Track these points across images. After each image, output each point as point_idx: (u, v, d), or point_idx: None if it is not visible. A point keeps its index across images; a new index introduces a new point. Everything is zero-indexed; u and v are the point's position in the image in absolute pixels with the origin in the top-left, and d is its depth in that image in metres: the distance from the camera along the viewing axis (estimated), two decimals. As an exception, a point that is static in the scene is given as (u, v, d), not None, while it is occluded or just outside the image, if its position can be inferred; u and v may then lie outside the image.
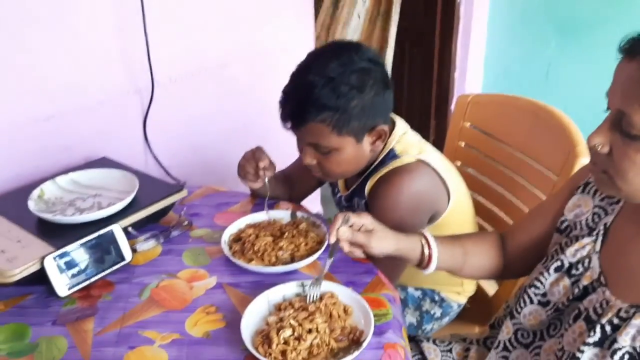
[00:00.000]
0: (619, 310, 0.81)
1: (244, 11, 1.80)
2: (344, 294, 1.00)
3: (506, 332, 1.00)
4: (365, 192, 1.22)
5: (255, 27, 1.85)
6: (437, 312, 1.34)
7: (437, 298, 1.33)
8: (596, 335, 0.81)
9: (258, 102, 1.95)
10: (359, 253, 1.01)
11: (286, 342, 0.90)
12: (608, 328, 0.80)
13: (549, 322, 0.94)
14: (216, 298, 1.05)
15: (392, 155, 1.19)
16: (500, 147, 1.43)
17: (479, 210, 1.50)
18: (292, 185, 1.40)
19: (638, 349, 0.76)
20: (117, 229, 1.14)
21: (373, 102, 1.12)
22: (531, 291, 0.96)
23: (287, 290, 1.03)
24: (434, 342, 1.15)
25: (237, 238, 1.19)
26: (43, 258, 1.03)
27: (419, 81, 2.92)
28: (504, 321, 1.02)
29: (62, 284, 1.05)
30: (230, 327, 0.97)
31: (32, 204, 1.18)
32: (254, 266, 1.09)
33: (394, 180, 1.15)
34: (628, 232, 0.87)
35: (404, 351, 0.94)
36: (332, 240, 0.97)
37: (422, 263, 1.03)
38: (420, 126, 3.03)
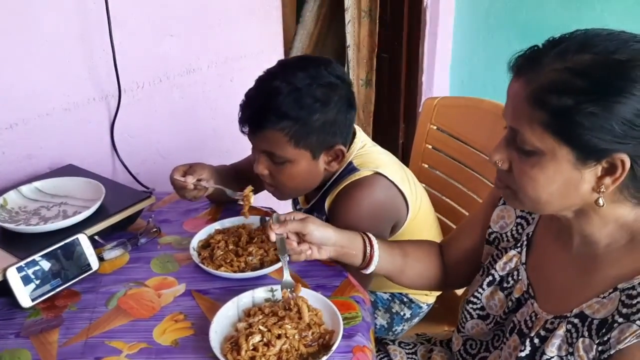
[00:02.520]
0: (545, 322, 0.83)
1: (211, 17, 1.79)
2: (314, 298, 1.01)
3: (456, 344, 1.02)
4: (325, 207, 1.21)
5: (223, 33, 1.85)
6: (407, 313, 1.35)
7: (405, 299, 1.35)
8: (527, 349, 0.83)
9: (226, 108, 1.94)
10: (305, 247, 0.98)
11: (255, 348, 0.90)
12: (536, 341, 0.83)
13: (493, 333, 0.96)
14: (185, 305, 1.04)
15: (350, 169, 1.18)
16: (465, 148, 1.46)
17: (446, 211, 1.53)
18: (245, 180, 1.31)
19: (566, 358, 0.78)
20: (82, 237, 1.12)
21: (335, 120, 1.12)
22: (469, 307, 0.98)
23: (256, 295, 1.03)
24: (399, 344, 1.16)
25: (206, 244, 1.19)
26: (5, 269, 1.01)
27: (388, 85, 2.95)
28: (453, 335, 1.04)
29: (25, 295, 1.03)
30: (199, 334, 0.96)
31: (-7, 214, 1.16)
32: (223, 272, 1.09)
33: (352, 194, 1.15)
34: (546, 242, 0.90)
35: (372, 354, 0.95)
36: (273, 238, 0.97)
37: (363, 262, 1.03)
38: (389, 130, 3.07)
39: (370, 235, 1.04)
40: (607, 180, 0.71)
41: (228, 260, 1.12)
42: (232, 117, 1.98)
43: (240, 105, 1.15)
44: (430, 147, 1.56)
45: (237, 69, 1.90)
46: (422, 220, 1.28)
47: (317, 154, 1.14)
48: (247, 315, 0.98)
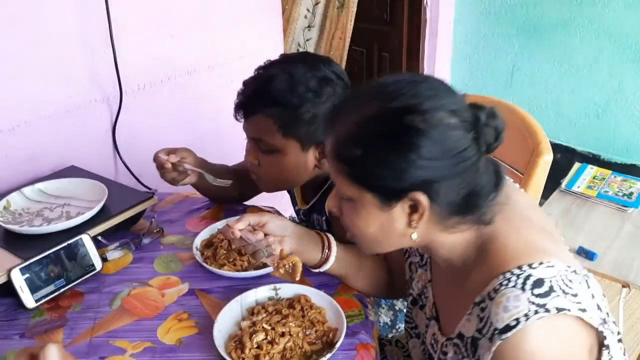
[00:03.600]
0: (442, 345, 0.83)
1: (211, 18, 1.80)
2: (317, 296, 1.01)
3: None
4: (326, 208, 1.20)
5: (223, 34, 1.85)
6: (410, 311, 1.35)
7: (409, 297, 1.35)
8: None
9: (227, 108, 1.94)
10: (271, 240, 0.97)
11: (259, 347, 0.90)
12: None
13: (425, 358, 0.95)
14: (188, 305, 1.04)
15: None
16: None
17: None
18: (242, 181, 1.32)
19: None
20: (86, 238, 1.12)
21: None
22: (407, 326, 1.00)
23: (259, 294, 1.03)
24: (395, 344, 1.16)
25: (209, 244, 1.19)
26: (9, 270, 1.01)
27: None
28: None
29: (29, 296, 1.03)
30: (203, 333, 0.96)
31: (-3, 216, 1.16)
32: (226, 271, 1.09)
33: None
34: (435, 264, 0.91)
35: (375, 352, 0.95)
36: (237, 235, 0.95)
37: (322, 257, 1.02)
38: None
39: (329, 235, 1.04)
40: (415, 216, 0.75)
41: (231, 260, 1.12)
42: (232, 118, 1.99)
43: (237, 92, 1.15)
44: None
45: (237, 69, 1.90)
46: None
47: (306, 147, 1.11)
48: (251, 314, 0.99)
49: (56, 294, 1.06)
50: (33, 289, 1.04)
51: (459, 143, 0.71)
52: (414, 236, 0.77)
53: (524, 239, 0.75)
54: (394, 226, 0.77)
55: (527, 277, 0.68)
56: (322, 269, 1.02)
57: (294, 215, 1.49)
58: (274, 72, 1.08)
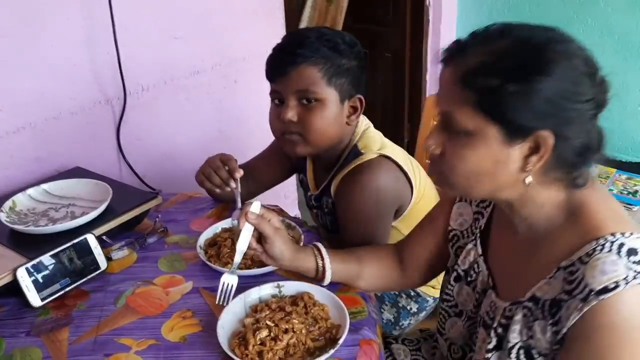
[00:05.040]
0: (504, 310, 0.83)
1: (214, 19, 1.81)
2: (320, 294, 1.02)
3: (442, 347, 1.03)
4: (332, 191, 1.23)
5: (226, 35, 1.87)
6: (414, 307, 1.36)
7: (412, 293, 1.35)
8: (493, 341, 0.83)
9: (232, 109, 1.96)
10: (260, 250, 1.00)
11: (263, 343, 0.90)
12: (500, 330, 0.83)
13: (468, 333, 0.96)
14: (192, 303, 1.05)
15: (355, 152, 1.21)
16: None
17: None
18: (251, 179, 1.37)
19: (528, 342, 0.78)
20: (91, 237, 1.13)
21: (358, 70, 1.18)
22: (445, 305, 0.99)
23: (263, 291, 1.04)
24: (402, 342, 1.17)
25: (213, 242, 1.20)
26: (15, 269, 1.02)
27: (392, 84, 2.96)
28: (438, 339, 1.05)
29: (35, 294, 1.04)
30: (207, 330, 0.97)
31: (3, 216, 1.17)
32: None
33: (357, 178, 1.17)
34: (498, 232, 0.91)
35: (378, 347, 0.95)
36: (242, 225, 0.97)
37: (318, 275, 1.04)
38: (394, 129, 3.07)
39: (323, 250, 1.04)
40: (533, 158, 0.74)
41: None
42: (238, 118, 2.01)
43: (268, 58, 1.18)
44: (434, 143, 1.56)
45: (241, 70, 1.92)
46: (426, 205, 1.28)
47: (343, 98, 1.17)
48: (254, 311, 0.99)
49: (62, 292, 1.07)
50: (39, 288, 1.05)
51: (588, 91, 0.72)
52: (527, 180, 0.76)
53: (612, 209, 0.77)
54: (508, 166, 0.75)
55: (621, 245, 0.70)
56: (322, 284, 1.04)
57: (299, 214, 1.50)
58: (306, 33, 1.16)
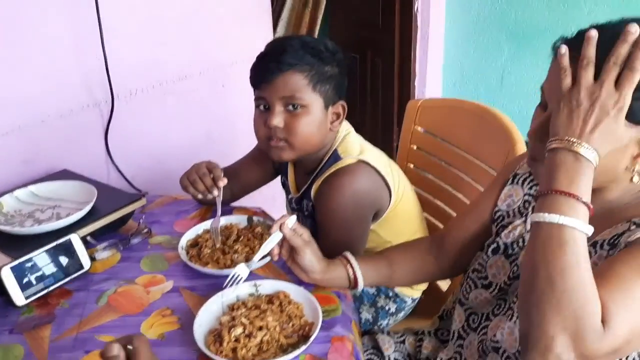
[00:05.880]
0: None
1: (202, 24, 1.84)
2: (296, 292, 1.05)
3: (458, 320, 1.06)
4: (312, 194, 1.27)
5: (214, 40, 1.90)
6: (392, 307, 1.39)
7: (391, 294, 1.38)
8: None
9: (219, 113, 2.00)
10: (275, 250, 1.06)
11: (237, 340, 0.93)
12: None
13: (495, 301, 1.00)
14: (172, 301, 1.08)
15: (334, 157, 1.24)
16: (448, 148, 1.50)
17: (432, 208, 1.57)
18: (234, 182, 1.40)
19: None
20: (75, 238, 1.16)
21: (339, 77, 1.22)
22: (474, 275, 1.02)
23: (240, 290, 1.07)
24: (388, 334, 1.20)
25: (194, 243, 1.23)
26: (0, 269, 1.05)
27: (382, 89, 3.00)
28: (453, 311, 1.08)
29: (19, 293, 1.07)
30: (185, 328, 1.00)
31: (-11, 217, 1.20)
32: (210, 269, 1.13)
33: (336, 182, 1.21)
34: None
35: (351, 344, 0.98)
36: (274, 230, 1.03)
37: (350, 283, 1.09)
38: (384, 133, 3.11)
39: (351, 259, 1.09)
40: (635, 162, 0.76)
41: (215, 258, 1.16)
42: (225, 122, 2.04)
43: (253, 65, 1.21)
44: (415, 147, 1.60)
45: (229, 74, 1.95)
46: (405, 208, 1.33)
47: (327, 105, 1.21)
48: (231, 310, 1.02)
49: (45, 291, 1.10)
50: (23, 287, 1.07)
51: None
52: (635, 179, 0.79)
53: None
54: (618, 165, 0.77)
55: None
56: (358, 290, 1.10)
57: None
58: (290, 41, 1.19)
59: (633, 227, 0.78)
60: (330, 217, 1.24)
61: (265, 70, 1.18)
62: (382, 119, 3.02)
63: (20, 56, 1.42)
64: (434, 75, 2.90)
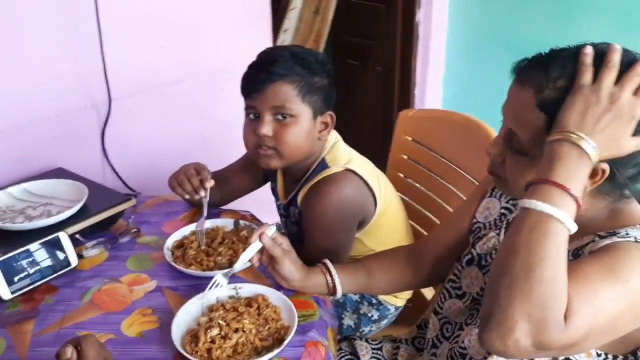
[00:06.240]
0: None
1: (201, 29, 1.87)
2: (274, 296, 1.07)
3: (433, 329, 1.07)
4: (298, 201, 1.29)
5: (213, 45, 1.93)
6: (375, 314, 1.40)
7: (374, 301, 1.40)
8: None
9: (216, 117, 2.02)
10: (254, 259, 1.08)
11: (213, 341, 0.95)
12: None
13: (468, 312, 1.01)
14: (154, 301, 1.10)
15: (322, 165, 1.27)
16: (437, 159, 1.51)
17: (419, 218, 1.58)
18: (224, 186, 1.44)
19: None
20: (63, 235, 1.19)
21: (328, 88, 1.24)
22: (448, 285, 1.04)
23: (221, 292, 1.09)
24: (366, 340, 1.22)
25: (180, 244, 1.25)
26: (-13, 263, 1.08)
27: (382, 98, 3.02)
28: (429, 320, 1.10)
29: (5, 288, 1.09)
30: (164, 327, 1.02)
31: (-19, 213, 1.23)
32: (192, 270, 1.15)
33: (322, 190, 1.23)
34: None
35: (325, 349, 1.00)
36: (253, 239, 1.05)
37: (329, 291, 1.12)
38: (383, 142, 3.10)
39: (330, 267, 1.12)
40: (588, 182, 0.77)
41: (198, 260, 1.18)
42: (222, 125, 2.07)
43: (244, 75, 1.24)
44: (405, 157, 1.62)
45: (227, 79, 1.97)
46: (390, 218, 1.35)
47: (316, 114, 1.23)
48: (210, 311, 1.04)
49: (32, 287, 1.12)
50: (9, 282, 1.10)
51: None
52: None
53: None
54: None
55: None
56: (336, 296, 1.13)
57: (279, 221, 1.55)
58: (280, 52, 1.21)
59: (597, 239, 0.80)
60: (315, 224, 1.26)
61: (256, 80, 1.20)
62: (381, 128, 3.03)
63: (20, 57, 1.45)
64: (434, 86, 2.91)
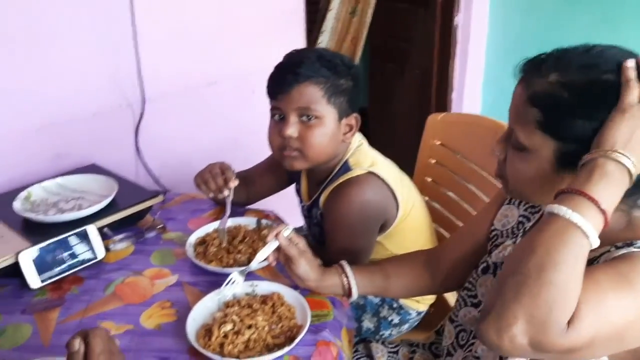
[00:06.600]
0: None
1: (235, 33, 1.90)
2: (289, 295, 1.07)
3: (448, 337, 1.06)
4: (320, 203, 1.29)
5: (246, 48, 1.95)
6: (395, 318, 1.39)
7: (395, 305, 1.38)
8: None
9: (248, 118, 2.04)
10: (271, 258, 1.09)
11: (225, 336, 0.97)
12: None
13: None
14: (174, 295, 1.13)
15: (345, 168, 1.26)
16: (465, 164, 1.49)
17: (445, 223, 1.56)
18: (250, 186, 1.45)
19: None
20: (91, 228, 1.23)
21: (354, 90, 1.24)
22: (464, 293, 1.02)
23: (238, 289, 1.10)
24: (382, 343, 1.21)
25: (202, 241, 1.27)
26: (18, 253, 1.13)
27: (418, 102, 2.99)
28: (445, 327, 1.08)
29: (35, 277, 1.14)
30: (181, 321, 1.04)
31: (17, 204, 1.29)
32: (212, 267, 1.17)
33: (344, 192, 1.22)
34: None
35: (337, 350, 1.00)
36: (270, 238, 1.06)
37: (344, 292, 1.11)
38: (417, 146, 3.08)
39: (347, 269, 1.11)
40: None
41: (219, 257, 1.20)
42: (253, 127, 2.09)
43: (270, 76, 1.26)
44: (433, 161, 1.60)
45: (258, 81, 1.98)
46: (413, 222, 1.33)
47: (341, 116, 1.23)
48: (226, 307, 1.06)
49: (59, 277, 1.17)
50: (40, 271, 1.15)
51: None
52: None
53: None
54: (560, 186, 0.78)
55: None
56: (352, 298, 1.12)
57: (305, 225, 1.56)
58: (306, 54, 1.22)
59: (612, 249, 0.77)
60: (337, 226, 1.26)
61: (282, 81, 1.21)
62: (416, 132, 3.00)
63: (60, 58, 1.52)
64: (472, 91, 2.86)
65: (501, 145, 0.87)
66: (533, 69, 0.82)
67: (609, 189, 0.72)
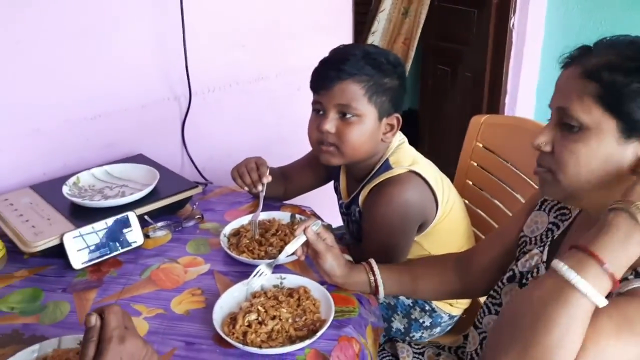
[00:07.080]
0: None
1: (282, 30, 1.93)
2: (316, 289, 1.08)
3: (472, 342, 1.04)
4: (359, 201, 1.29)
5: (293, 45, 1.98)
6: (427, 321, 1.37)
7: (427, 307, 1.37)
8: None
9: (293, 114, 2.06)
10: (299, 251, 1.09)
11: (249, 325, 0.99)
12: None
13: None
14: (204, 283, 1.16)
15: (386, 166, 1.26)
16: (506, 167, 1.45)
17: (485, 226, 1.53)
18: (288, 182, 1.47)
19: None
20: (132, 215, 1.28)
21: (399, 89, 1.23)
22: (489, 301, 1.00)
23: (266, 281, 1.12)
24: (409, 344, 1.20)
25: (236, 232, 1.30)
26: (63, 235, 1.19)
27: (470, 104, 2.93)
28: (470, 333, 1.06)
29: (77, 258, 1.20)
30: (209, 308, 1.06)
31: (65, 189, 1.36)
32: (243, 257, 1.19)
33: (384, 190, 1.22)
34: (570, 244, 0.89)
35: (359, 346, 0.99)
36: (298, 233, 1.06)
37: (371, 289, 1.10)
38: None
39: (374, 267, 1.11)
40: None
41: (250, 248, 1.22)
42: (298, 123, 2.11)
43: (314, 70, 1.27)
44: (475, 164, 1.57)
45: (304, 78, 2.01)
46: (451, 224, 1.31)
47: (381, 116, 1.23)
48: (253, 297, 1.08)
49: (100, 259, 1.22)
50: (81, 253, 1.21)
51: None
52: None
53: None
54: (620, 164, 0.76)
55: None
56: (379, 297, 1.12)
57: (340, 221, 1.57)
58: (352, 50, 1.22)
59: (631, 276, 0.73)
60: (375, 225, 1.25)
61: (325, 76, 1.22)
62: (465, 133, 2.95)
63: (109, 52, 1.58)
64: (526, 95, 2.78)
65: (548, 135, 0.81)
66: (584, 52, 0.80)
67: (613, 244, 0.67)
